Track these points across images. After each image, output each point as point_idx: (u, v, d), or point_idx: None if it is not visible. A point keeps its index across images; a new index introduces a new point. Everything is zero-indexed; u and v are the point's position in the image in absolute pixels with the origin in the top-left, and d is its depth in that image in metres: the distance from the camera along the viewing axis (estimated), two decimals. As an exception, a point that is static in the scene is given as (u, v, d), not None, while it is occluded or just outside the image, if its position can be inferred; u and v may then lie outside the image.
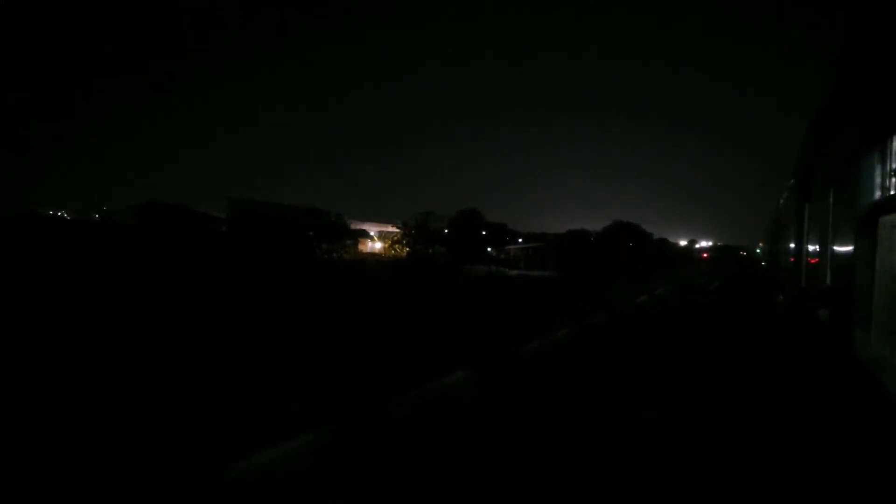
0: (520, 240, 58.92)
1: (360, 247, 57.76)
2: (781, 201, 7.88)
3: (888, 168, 1.71)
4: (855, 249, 1.88)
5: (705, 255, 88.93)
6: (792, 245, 5.59)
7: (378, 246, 59.96)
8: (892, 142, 1.69)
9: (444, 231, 52.27)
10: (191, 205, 47.56)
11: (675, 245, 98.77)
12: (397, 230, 55.40)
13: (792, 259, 5.49)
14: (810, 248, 4.01)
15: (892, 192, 1.70)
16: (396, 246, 54.69)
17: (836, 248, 2.37)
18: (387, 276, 22.85)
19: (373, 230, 63.63)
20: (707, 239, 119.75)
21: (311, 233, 46.54)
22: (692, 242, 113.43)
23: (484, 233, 52.80)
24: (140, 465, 3.44)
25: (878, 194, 1.76)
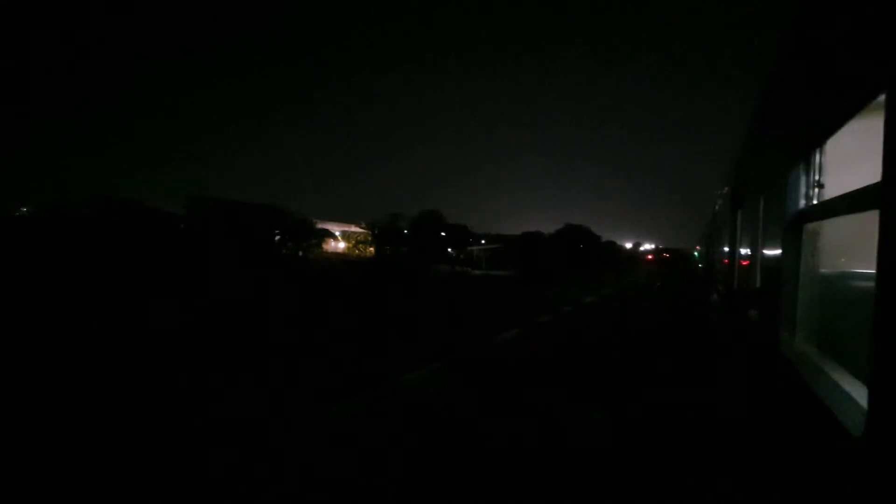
0: (482, 241, 59.38)
1: (324, 246, 56.40)
2: (717, 207, 8.17)
3: (812, 179, 1.76)
4: (781, 254, 1.93)
5: (650, 256, 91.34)
6: (725, 249, 5.80)
7: (341, 245, 58.70)
8: (815, 155, 1.74)
9: (404, 231, 51.86)
10: (146, 202, 44.51)
11: (622, 247, 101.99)
12: (360, 230, 54.54)
13: (726, 262, 5.69)
14: (742, 251, 4.14)
15: (815, 202, 1.75)
16: (361, 246, 53.86)
17: (765, 253, 2.44)
18: (363, 277, 22.95)
19: (335, 230, 62.25)
20: (650, 241, 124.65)
21: (276, 231, 44.99)
22: (637, 245, 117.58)
23: (443, 234, 52.77)
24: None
25: (802, 203, 1.81)
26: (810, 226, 1.79)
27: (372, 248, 51.96)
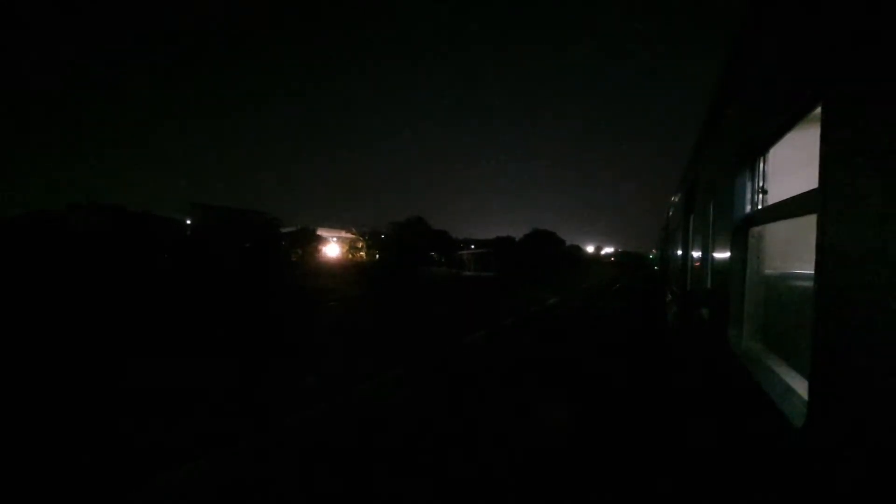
0: (472, 246, 60.62)
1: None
2: (671, 212, 8.27)
3: (756, 185, 1.75)
4: (730, 256, 1.91)
5: (612, 259, 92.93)
6: (679, 251, 5.84)
7: (333, 250, 58.13)
8: (759, 163, 1.73)
9: (394, 236, 52.13)
10: (151, 209, 42.89)
11: (585, 251, 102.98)
12: (351, 235, 54.63)
13: (680, 263, 5.73)
14: (694, 254, 4.15)
15: (759, 207, 1.74)
16: (353, 251, 53.79)
17: (715, 255, 2.43)
18: (384, 278, 23.69)
19: (329, 236, 61.71)
20: (610, 245, 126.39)
21: (282, 237, 44.68)
22: (599, 248, 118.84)
23: (427, 238, 53.20)
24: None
25: (748, 208, 1.80)
26: (755, 229, 1.77)
27: (362, 254, 52.15)
